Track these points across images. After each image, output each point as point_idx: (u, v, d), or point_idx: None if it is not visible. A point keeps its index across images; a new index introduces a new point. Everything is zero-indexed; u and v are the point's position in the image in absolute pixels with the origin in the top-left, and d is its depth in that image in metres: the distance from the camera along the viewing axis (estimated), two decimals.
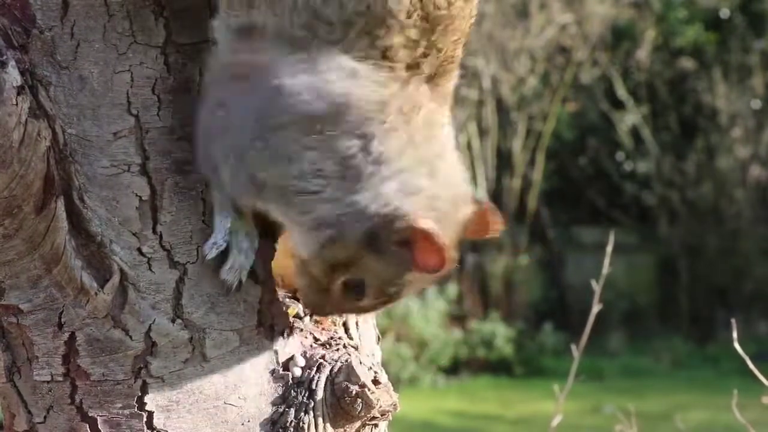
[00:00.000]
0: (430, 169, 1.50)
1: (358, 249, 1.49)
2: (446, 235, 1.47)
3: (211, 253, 1.56)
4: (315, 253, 1.52)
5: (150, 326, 1.59)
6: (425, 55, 1.51)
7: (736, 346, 2.49)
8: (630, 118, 15.72)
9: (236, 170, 1.52)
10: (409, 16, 1.48)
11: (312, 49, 1.48)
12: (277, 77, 1.48)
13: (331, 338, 1.71)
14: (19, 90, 1.50)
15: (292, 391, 1.65)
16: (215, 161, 1.54)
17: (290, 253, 1.61)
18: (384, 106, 1.48)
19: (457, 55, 1.55)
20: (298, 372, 1.66)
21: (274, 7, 1.48)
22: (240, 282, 1.59)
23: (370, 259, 1.50)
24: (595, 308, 2.89)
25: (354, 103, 1.47)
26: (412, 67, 1.51)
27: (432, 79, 1.54)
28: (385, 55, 1.48)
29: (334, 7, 1.46)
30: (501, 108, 15.23)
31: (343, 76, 1.47)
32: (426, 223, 1.45)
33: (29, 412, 1.63)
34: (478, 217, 1.56)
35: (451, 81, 1.57)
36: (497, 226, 1.58)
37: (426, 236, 1.44)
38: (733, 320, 2.59)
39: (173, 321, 1.60)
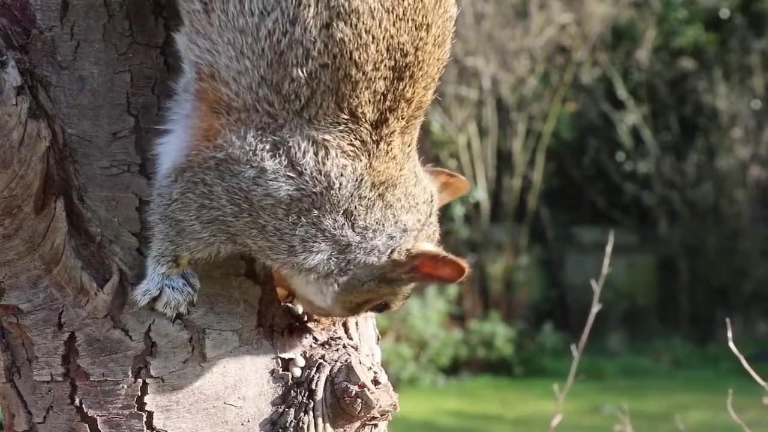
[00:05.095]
0: (408, 207, 1.57)
1: (370, 290, 1.59)
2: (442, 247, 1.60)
3: (143, 300, 1.57)
4: (332, 302, 1.60)
5: (150, 326, 1.59)
6: (392, 110, 1.49)
7: (731, 345, 2.48)
8: (630, 118, 15.72)
9: (215, 233, 1.53)
10: (376, 68, 1.46)
11: (278, 121, 1.46)
12: (248, 164, 1.47)
13: (331, 338, 1.71)
14: (19, 90, 1.50)
15: (292, 391, 1.65)
16: (180, 222, 1.53)
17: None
18: (359, 184, 1.50)
19: (426, 100, 1.55)
20: (297, 372, 1.66)
21: (239, 82, 1.45)
22: (180, 314, 1.59)
23: (387, 289, 1.60)
24: (595, 308, 2.89)
25: (331, 184, 1.48)
26: (380, 124, 1.49)
27: (401, 132, 1.53)
28: (354, 114, 1.47)
29: (299, 58, 1.43)
30: (501, 108, 15.23)
31: (314, 156, 1.47)
32: (425, 245, 1.57)
33: (29, 412, 1.63)
34: (449, 185, 1.72)
35: (417, 127, 1.57)
36: (464, 184, 1.76)
37: (432, 257, 1.56)
38: (728, 320, 2.58)
39: (173, 321, 1.60)
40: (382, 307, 1.66)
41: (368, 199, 1.51)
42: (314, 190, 1.48)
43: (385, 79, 1.47)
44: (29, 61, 1.55)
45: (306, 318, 1.73)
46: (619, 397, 9.82)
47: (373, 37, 1.44)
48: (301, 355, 1.68)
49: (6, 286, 1.58)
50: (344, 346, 1.70)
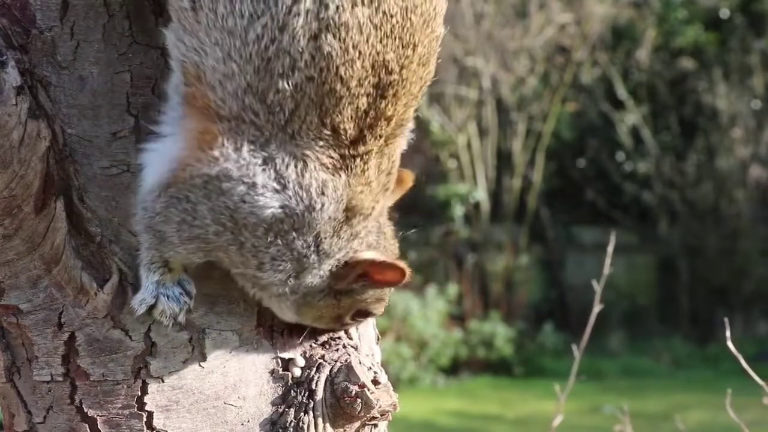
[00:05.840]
0: (361, 236, 1.56)
1: (330, 302, 1.59)
2: (389, 255, 1.60)
3: (140, 309, 1.57)
4: (300, 318, 1.61)
5: (150, 326, 1.59)
6: (371, 127, 1.48)
7: (730, 345, 2.48)
8: (630, 118, 15.72)
9: (196, 242, 1.52)
10: (360, 84, 1.45)
11: (264, 134, 1.45)
12: (240, 180, 1.46)
13: (331, 338, 1.71)
14: (19, 90, 1.50)
15: (292, 391, 1.65)
16: (163, 233, 1.53)
17: None
18: (337, 206, 1.50)
19: (407, 117, 1.54)
20: (297, 372, 1.66)
21: (225, 91, 1.44)
22: (177, 321, 1.59)
23: (348, 301, 1.61)
24: (596, 308, 2.88)
25: (312, 206, 1.48)
26: (358, 142, 1.48)
27: (378, 150, 1.51)
28: (336, 131, 1.46)
29: (285, 68, 1.42)
30: (501, 108, 15.23)
31: (294, 169, 1.46)
32: (366, 254, 1.56)
33: (29, 412, 1.63)
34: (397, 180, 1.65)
35: (399, 143, 1.56)
36: (407, 176, 1.67)
37: (372, 262, 1.56)
38: (725, 319, 2.58)
39: (170, 327, 1.60)
40: (365, 313, 1.66)
41: (338, 221, 1.51)
42: (297, 209, 1.47)
43: (368, 95, 1.46)
44: (29, 61, 1.55)
45: None
46: (619, 397, 9.82)
47: (360, 53, 1.43)
48: (301, 355, 1.67)
49: (6, 286, 1.58)
50: (344, 346, 1.70)
